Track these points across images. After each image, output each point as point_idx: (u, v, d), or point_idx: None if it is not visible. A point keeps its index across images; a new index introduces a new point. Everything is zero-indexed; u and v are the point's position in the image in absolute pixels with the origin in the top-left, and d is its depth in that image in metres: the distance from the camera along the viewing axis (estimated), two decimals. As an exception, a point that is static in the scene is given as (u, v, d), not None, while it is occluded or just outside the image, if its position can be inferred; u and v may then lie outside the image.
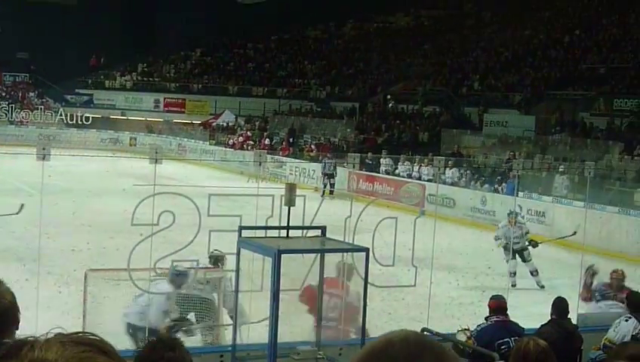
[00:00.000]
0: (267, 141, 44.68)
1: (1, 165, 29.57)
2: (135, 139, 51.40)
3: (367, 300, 8.43)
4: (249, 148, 42.17)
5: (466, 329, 9.07)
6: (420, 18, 60.63)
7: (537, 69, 42.30)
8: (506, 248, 18.16)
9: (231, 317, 10.87)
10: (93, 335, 1.52)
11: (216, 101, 55.07)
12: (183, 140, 49.47)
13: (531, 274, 18.27)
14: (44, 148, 13.32)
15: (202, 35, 60.07)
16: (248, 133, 47.25)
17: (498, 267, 18.42)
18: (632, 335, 8.93)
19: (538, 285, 18.08)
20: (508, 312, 9.37)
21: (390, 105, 46.12)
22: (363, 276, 8.38)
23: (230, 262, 9.20)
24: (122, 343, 9.82)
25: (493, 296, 10.01)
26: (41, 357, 1.43)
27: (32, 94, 59.13)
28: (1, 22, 60.05)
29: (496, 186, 29.13)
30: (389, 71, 52.01)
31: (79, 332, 1.54)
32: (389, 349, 1.60)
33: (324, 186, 32.89)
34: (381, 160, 34.68)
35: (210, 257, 11.44)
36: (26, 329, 3.41)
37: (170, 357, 3.86)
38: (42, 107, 56.51)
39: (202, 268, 11.58)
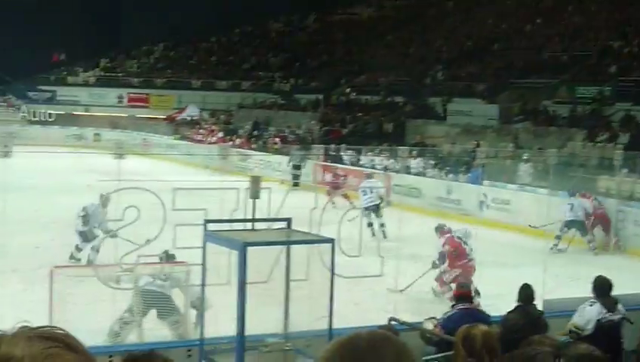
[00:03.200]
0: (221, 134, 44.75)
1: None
2: (99, 135, 51.07)
3: (334, 291, 8.45)
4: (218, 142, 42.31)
5: (432, 318, 9.13)
6: (382, 9, 60.70)
7: (500, 58, 42.48)
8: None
9: (195, 309, 10.89)
10: (60, 329, 1.52)
11: (180, 95, 54.88)
12: (147, 135, 49.24)
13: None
14: (6, 146, 13.20)
15: (165, 29, 59.80)
16: (213, 127, 47.18)
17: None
18: (597, 320, 9.02)
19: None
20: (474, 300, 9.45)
21: (354, 96, 46.19)
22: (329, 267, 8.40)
23: (196, 256, 9.17)
24: (90, 340, 9.78)
25: (458, 284, 10.07)
26: (8, 352, 1.43)
27: (-7, 91, 58.67)
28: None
29: (460, 175, 29.25)
30: (352, 62, 52.03)
31: (46, 326, 1.53)
32: (355, 339, 1.74)
33: (293, 178, 32.88)
34: (342, 152, 34.73)
35: (160, 257, 11.54)
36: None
37: None
38: (4, 105, 56.07)
39: (167, 262, 11.58)
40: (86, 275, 11.13)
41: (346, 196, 22.14)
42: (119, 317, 11.23)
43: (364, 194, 22.02)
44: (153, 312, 11.50)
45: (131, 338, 11.21)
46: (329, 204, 17.40)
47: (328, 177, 29.94)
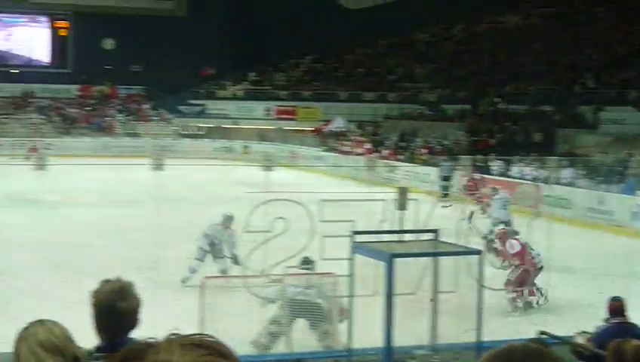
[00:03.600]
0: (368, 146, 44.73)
1: (117, 176, 30.22)
2: (248, 147, 51.91)
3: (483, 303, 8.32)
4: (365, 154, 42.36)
5: (584, 332, 8.88)
6: (530, 17, 59.71)
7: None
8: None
9: (341, 322, 10.89)
10: (210, 337, 1.53)
11: (327, 107, 55.23)
12: (294, 147, 49.76)
13: None
14: (158, 159, 13.57)
15: (311, 42, 60.35)
16: (359, 138, 47.32)
17: (617, 268, 17.98)
18: None
19: None
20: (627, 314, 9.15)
21: (501, 105, 45.57)
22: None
23: (343, 268, 9.18)
24: (240, 349, 9.90)
25: (612, 297, 9.78)
26: (166, 360, 1.45)
27: (146, 106, 60.49)
28: (115, 36, 61.70)
29: (612, 186, 28.46)
30: (499, 71, 51.36)
31: (195, 334, 1.54)
32: (510, 352, 1.71)
33: (442, 189, 32.62)
34: (491, 163, 34.29)
35: (300, 263, 11.54)
36: (143, 335, 3.45)
37: None
38: (157, 118, 57.76)
39: (313, 273, 11.63)
40: (236, 286, 11.29)
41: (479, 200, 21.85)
42: (265, 327, 11.33)
43: (500, 208, 21.45)
44: (299, 322, 11.56)
45: (279, 348, 11.31)
46: (478, 211, 17.19)
47: (468, 183, 29.53)
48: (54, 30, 63.89)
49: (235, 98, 60.18)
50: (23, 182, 27.88)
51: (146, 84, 61.64)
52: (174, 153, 42.93)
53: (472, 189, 26.83)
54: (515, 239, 15.49)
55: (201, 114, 58.39)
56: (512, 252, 15.13)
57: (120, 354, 1.51)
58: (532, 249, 15.10)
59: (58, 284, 16.35)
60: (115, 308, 3.83)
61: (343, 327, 11.10)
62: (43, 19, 63.97)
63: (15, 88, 60.23)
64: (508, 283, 14.74)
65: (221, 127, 55.62)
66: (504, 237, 15.80)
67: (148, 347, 1.48)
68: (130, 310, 3.87)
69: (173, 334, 1.52)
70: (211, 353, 1.48)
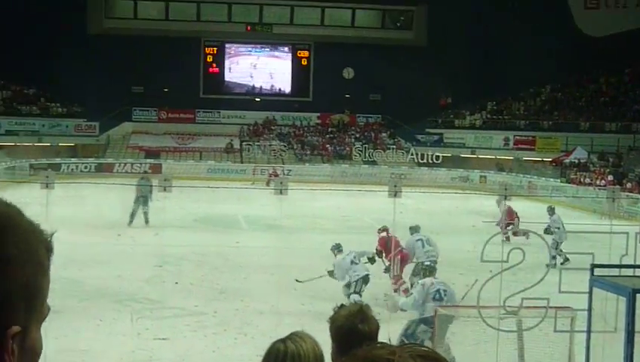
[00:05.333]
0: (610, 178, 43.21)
1: (354, 202, 30.65)
2: (485, 177, 51.49)
3: None
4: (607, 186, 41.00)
5: None
6: None
7: None
8: None
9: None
10: (435, 353, 1.49)
11: (567, 138, 53.94)
12: (532, 178, 48.93)
13: None
14: (395, 186, 13.65)
15: (552, 70, 59.16)
16: (601, 170, 45.93)
17: None
18: None
19: None
20: None
21: None
22: None
23: (581, 302, 8.89)
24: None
25: None
26: None
27: (384, 135, 61.22)
28: (354, 65, 62.88)
29: None
30: None
31: (415, 345, 1.51)
32: None
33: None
34: None
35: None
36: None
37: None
38: (394, 147, 58.29)
39: (550, 307, 11.30)
40: (471, 316, 11.15)
41: None
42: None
43: None
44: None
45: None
46: None
47: None
48: (296, 60, 65.87)
49: (472, 127, 59.89)
50: (264, 207, 28.77)
51: (384, 113, 62.43)
52: (410, 181, 43.14)
53: None
54: None
55: (438, 143, 58.48)
56: None
57: (363, 354, 1.48)
58: None
59: (293, 306, 16.73)
60: (356, 330, 3.86)
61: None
62: (285, 49, 66.12)
63: (258, 116, 62.55)
64: None
65: (459, 157, 55.48)
66: None
67: (389, 354, 1.44)
68: (370, 331, 3.89)
69: (408, 345, 1.50)
70: None
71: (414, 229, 18.77)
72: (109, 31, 60.65)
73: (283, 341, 3.63)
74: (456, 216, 30.29)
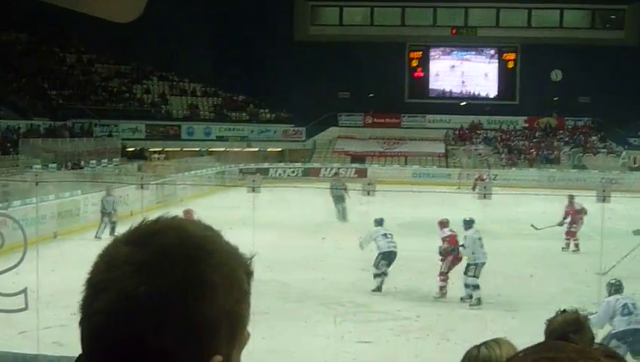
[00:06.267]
0: None
1: (561, 208, 29.89)
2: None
3: None
4: None
5: None
6: None
7: None
8: None
9: None
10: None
11: None
12: None
13: None
14: (604, 191, 13.29)
15: None
16: None
17: None
18: None
19: None
20: None
21: None
22: None
23: None
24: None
25: None
26: None
27: (594, 138, 59.51)
28: (562, 67, 61.41)
29: None
30: None
31: (600, 346, 1.49)
32: None
33: None
34: None
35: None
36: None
37: None
38: (605, 151, 56.61)
39: None
40: None
41: None
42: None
43: None
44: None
45: None
46: None
47: None
48: (502, 63, 65.06)
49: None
50: (468, 212, 28.62)
51: (594, 116, 60.64)
52: (620, 186, 41.70)
53: None
54: None
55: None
56: None
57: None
58: None
59: (498, 314, 16.55)
60: (567, 339, 3.79)
61: None
62: (491, 52, 65.43)
63: (463, 120, 62.17)
64: None
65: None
66: None
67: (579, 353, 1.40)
68: (582, 343, 3.79)
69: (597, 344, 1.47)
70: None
71: (468, 224, 18.87)
72: (315, 37, 61.86)
73: (478, 347, 3.61)
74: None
